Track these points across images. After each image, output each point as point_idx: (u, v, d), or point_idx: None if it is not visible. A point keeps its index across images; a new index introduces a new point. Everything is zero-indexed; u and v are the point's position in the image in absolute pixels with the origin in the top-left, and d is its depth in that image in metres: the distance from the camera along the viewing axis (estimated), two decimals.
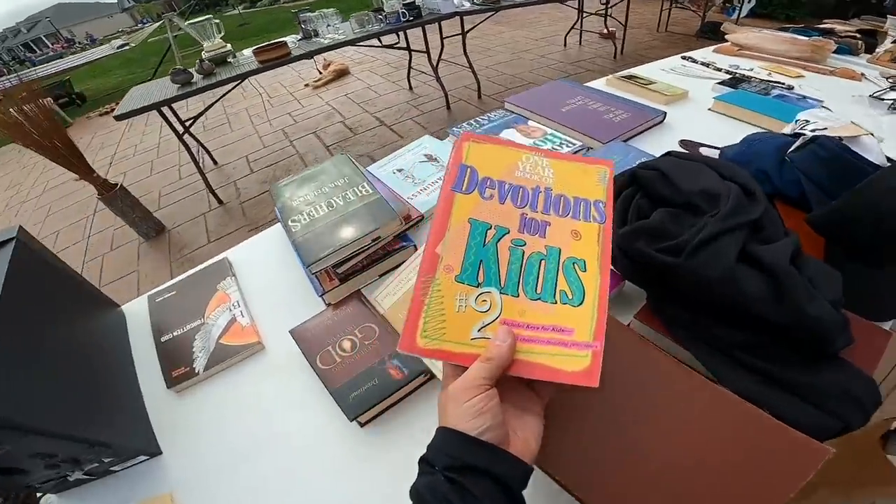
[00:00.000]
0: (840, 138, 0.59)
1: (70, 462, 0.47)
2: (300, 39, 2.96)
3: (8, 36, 43.61)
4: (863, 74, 1.40)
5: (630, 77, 1.27)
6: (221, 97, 2.89)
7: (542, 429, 0.35)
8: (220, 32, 2.81)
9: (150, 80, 7.12)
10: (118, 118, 2.24)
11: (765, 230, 0.47)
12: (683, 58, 1.52)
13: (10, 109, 2.08)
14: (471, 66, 3.67)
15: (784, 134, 0.67)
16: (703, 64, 1.46)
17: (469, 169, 0.41)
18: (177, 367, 0.60)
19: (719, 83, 1.25)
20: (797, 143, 0.61)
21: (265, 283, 0.72)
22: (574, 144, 0.91)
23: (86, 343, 0.57)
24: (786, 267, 0.42)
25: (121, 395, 0.57)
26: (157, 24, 8.79)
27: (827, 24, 2.26)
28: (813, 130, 0.64)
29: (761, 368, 0.46)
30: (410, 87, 4.19)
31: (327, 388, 0.52)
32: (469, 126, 1.03)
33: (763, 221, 0.47)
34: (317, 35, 2.91)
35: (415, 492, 0.33)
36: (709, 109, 1.11)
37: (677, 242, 0.47)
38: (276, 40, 2.73)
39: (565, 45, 5.14)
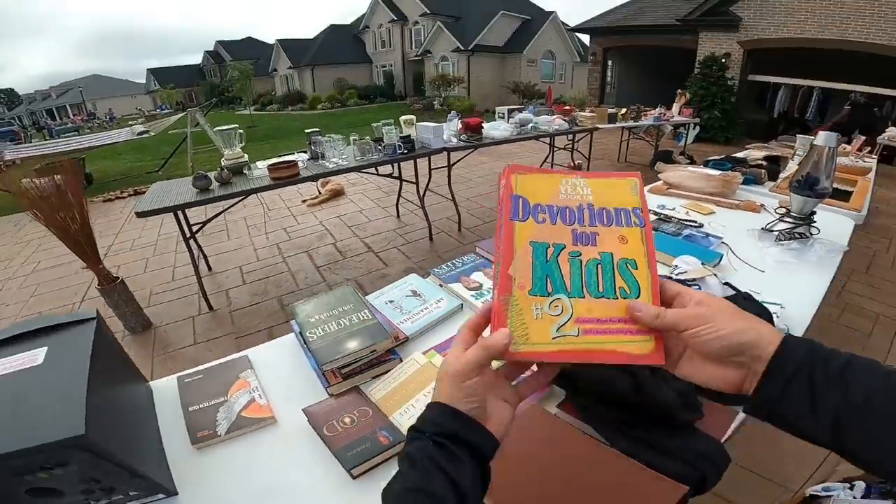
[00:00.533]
0: (693, 279, 0.87)
1: (105, 491, 0.60)
2: (308, 159, 3.30)
3: (36, 98, 44.08)
4: (762, 206, 1.69)
5: None
6: (230, 206, 3.15)
7: (512, 417, 0.44)
8: (241, 142, 3.06)
9: (157, 171, 7.39)
10: (140, 215, 2.39)
11: None
12: None
13: (39, 180, 2.14)
14: (453, 199, 4.12)
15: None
16: None
17: (521, 199, 0.47)
18: (202, 430, 0.76)
19: None
20: None
21: (278, 377, 0.91)
22: None
23: (128, 400, 0.74)
24: (639, 369, 0.67)
25: (150, 446, 0.73)
26: (178, 115, 8.95)
27: (745, 152, 2.69)
28: (678, 274, 0.93)
29: (640, 436, 0.67)
30: (398, 215, 4.60)
31: (331, 448, 0.70)
32: (447, 268, 1.28)
33: None
34: (323, 157, 3.26)
35: (405, 455, 0.40)
36: None
37: None
38: (288, 159, 3.04)
39: None
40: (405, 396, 0.81)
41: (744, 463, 1.68)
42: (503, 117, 4.61)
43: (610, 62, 12.97)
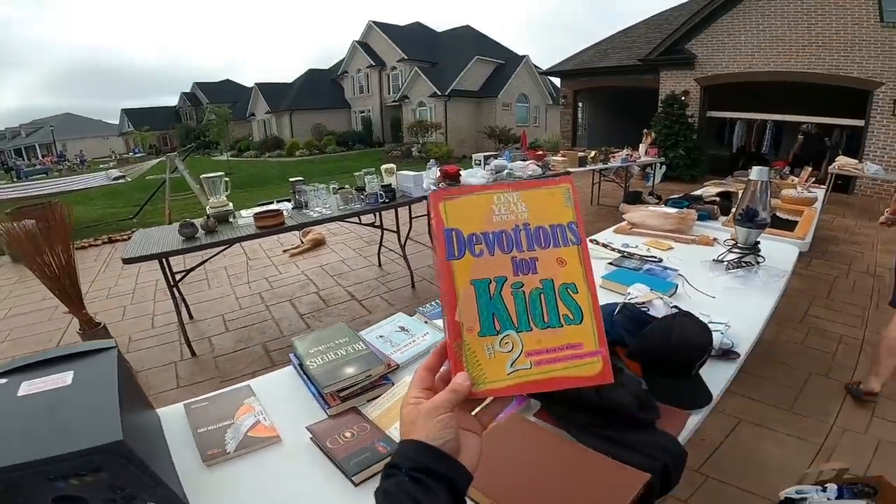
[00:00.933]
0: (642, 303, 1.00)
1: (125, 500, 0.65)
2: (293, 208, 3.37)
3: (6, 136, 40.94)
4: (715, 239, 1.85)
5: None
6: (214, 255, 3.20)
7: (480, 447, 0.45)
8: (227, 190, 3.08)
9: (132, 218, 7.16)
10: (126, 261, 2.40)
11: None
12: (591, 240, 1.92)
13: (27, 222, 2.17)
14: (434, 248, 4.23)
15: (617, 303, 1.08)
16: (603, 245, 1.87)
17: (454, 232, 0.46)
18: (212, 448, 0.82)
19: (610, 263, 1.64)
20: (617, 309, 1.02)
21: (280, 402, 0.99)
22: None
23: (146, 421, 0.81)
24: None
25: (164, 460, 0.79)
26: (156, 160, 8.60)
27: (700, 190, 2.88)
28: (630, 299, 1.06)
29: (608, 435, 0.78)
30: (380, 264, 4.62)
31: (334, 459, 0.77)
32: (430, 306, 1.39)
33: None
34: (307, 206, 3.31)
35: (381, 491, 0.40)
36: (599, 286, 1.49)
37: None
38: (274, 208, 3.10)
39: None
40: (399, 414, 0.89)
41: (725, 478, 1.77)
42: (480, 164, 4.82)
43: (581, 104, 13.59)
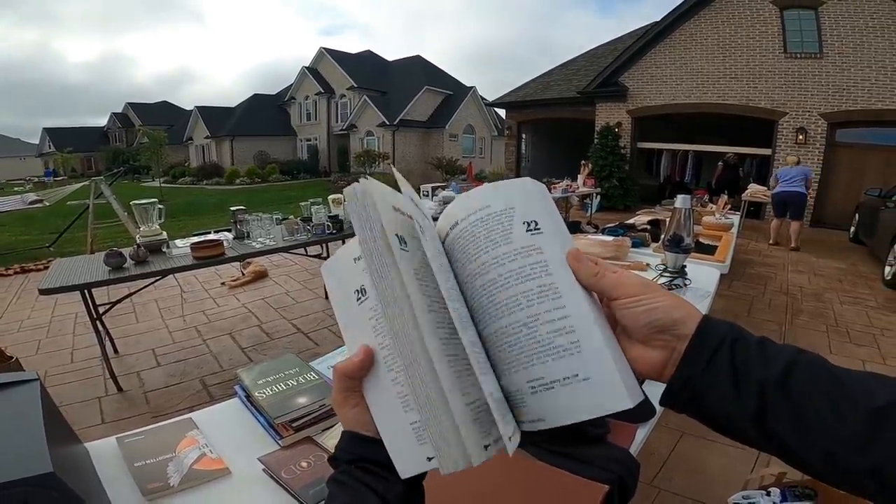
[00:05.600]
0: None
1: None
2: (234, 238, 3.21)
3: None
4: (648, 265, 1.98)
5: None
6: (146, 286, 2.99)
7: None
8: (160, 218, 2.90)
9: (49, 247, 6.55)
10: (43, 292, 2.22)
11: None
12: None
13: None
14: None
15: None
16: None
17: None
18: (152, 482, 0.76)
19: None
20: None
21: (226, 434, 0.92)
22: None
23: (74, 457, 0.74)
24: None
25: (98, 496, 0.71)
26: (79, 185, 7.91)
27: (633, 219, 3.09)
28: None
29: (563, 451, 0.79)
30: (327, 296, 4.52)
31: (291, 490, 0.73)
32: None
33: None
34: (249, 237, 3.17)
35: (331, 480, 0.41)
36: None
37: None
38: (212, 238, 2.96)
39: None
40: None
41: (676, 490, 1.84)
42: (427, 195, 4.91)
43: (524, 135, 14.18)
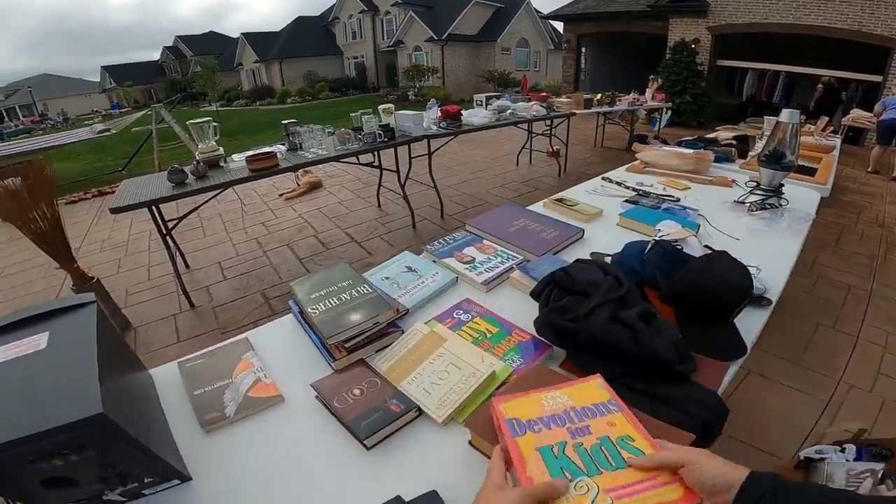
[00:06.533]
0: (675, 240, 0.92)
1: (119, 477, 0.59)
2: (287, 150, 3.25)
3: None
4: (734, 181, 1.79)
5: (560, 200, 1.62)
6: (208, 200, 3.08)
7: None
8: (216, 135, 2.98)
9: (122, 171, 7.06)
10: (114, 211, 2.31)
11: (627, 303, 0.76)
12: (603, 178, 1.89)
13: (9, 181, 2.10)
14: (435, 187, 4.15)
15: (647, 241, 1.00)
16: (616, 183, 1.82)
17: (514, 421, 0.58)
18: (210, 412, 0.76)
19: (626, 200, 1.58)
20: (649, 247, 0.93)
21: (282, 355, 0.91)
22: (517, 258, 1.21)
23: (134, 385, 0.73)
24: (635, 322, 0.70)
25: (160, 428, 0.72)
26: (141, 112, 8.50)
27: (715, 133, 2.80)
28: (662, 237, 0.98)
29: (642, 389, 0.71)
30: (379, 205, 4.58)
31: (342, 421, 0.71)
32: (439, 244, 1.30)
33: (626, 298, 0.77)
34: (302, 148, 3.22)
35: None
36: (617, 224, 1.44)
37: (576, 315, 0.75)
38: (266, 150, 2.97)
39: (517, 164, 5.91)
40: (411, 365, 0.83)
41: (736, 434, 1.75)
42: (481, 104, 4.63)
43: (584, 49, 13.04)
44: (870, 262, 3.22)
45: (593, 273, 0.83)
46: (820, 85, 8.81)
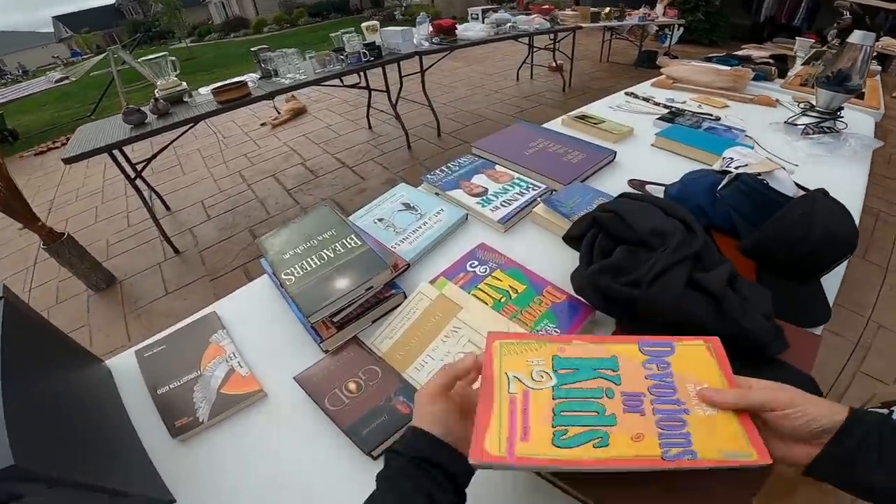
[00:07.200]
0: (758, 174, 0.71)
1: None
2: (260, 78, 2.97)
3: None
4: (777, 100, 1.59)
5: (582, 117, 1.40)
6: (176, 138, 2.82)
7: None
8: (175, 70, 2.73)
9: (90, 116, 6.77)
10: (67, 161, 2.10)
11: (704, 259, 0.57)
12: (627, 93, 1.69)
13: None
14: (430, 105, 3.85)
15: (714, 171, 0.80)
16: (643, 99, 1.62)
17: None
18: (179, 417, 0.61)
19: (659, 118, 1.39)
20: (725, 181, 0.73)
21: (258, 334, 0.75)
22: (539, 187, 1.01)
23: (82, 397, 0.57)
24: (723, 290, 0.52)
25: (124, 446, 0.57)
26: (99, 56, 8.32)
27: (744, 51, 2.54)
28: (737, 168, 0.77)
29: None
30: (370, 126, 4.30)
31: (340, 427, 0.55)
32: (442, 173, 1.09)
33: (702, 253, 0.57)
34: (277, 74, 2.94)
35: (382, 477, 0.39)
36: (651, 145, 1.24)
37: (636, 277, 0.56)
38: (235, 80, 2.72)
39: (518, 79, 5.53)
40: (418, 345, 0.66)
41: None
42: (477, 18, 4.14)
43: None
44: None
45: (652, 215, 0.62)
46: (848, 13, 8.12)
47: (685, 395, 0.42)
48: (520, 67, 5.55)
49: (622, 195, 0.74)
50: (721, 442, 0.39)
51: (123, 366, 0.71)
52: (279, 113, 4.90)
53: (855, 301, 1.95)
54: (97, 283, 2.45)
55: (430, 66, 3.69)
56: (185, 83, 2.75)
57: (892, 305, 1.94)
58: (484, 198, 0.98)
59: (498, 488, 0.51)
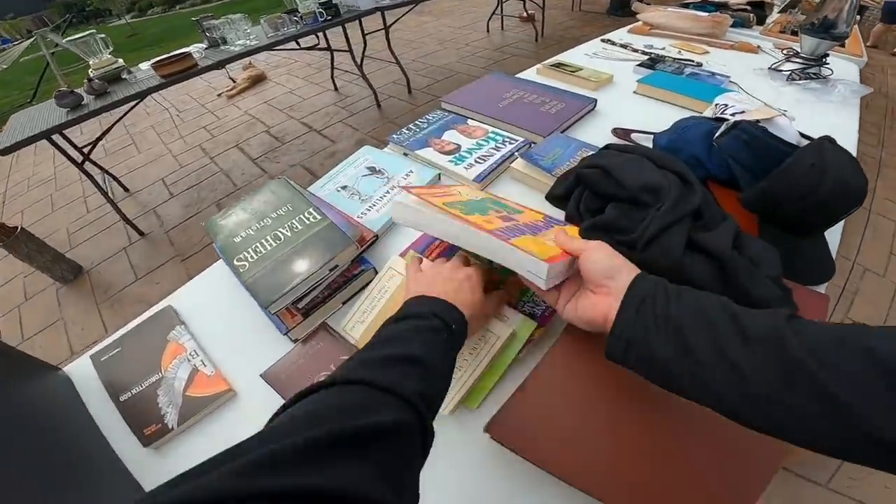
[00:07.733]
0: (758, 121, 0.65)
1: None
2: (207, 48, 2.76)
3: None
4: (759, 47, 1.54)
5: (558, 65, 1.33)
6: (121, 118, 2.66)
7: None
8: (108, 47, 2.56)
9: (30, 102, 6.36)
10: (3, 152, 1.97)
11: (704, 216, 0.52)
12: (603, 40, 1.62)
13: None
14: (397, 62, 3.65)
15: (708, 119, 0.74)
16: (621, 46, 1.55)
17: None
18: (147, 425, 0.56)
19: (639, 65, 1.33)
20: (722, 129, 0.67)
21: (220, 327, 0.68)
22: (516, 141, 0.94)
23: (38, 415, 0.52)
24: (728, 252, 0.47)
25: (100, 464, 0.53)
26: (28, 41, 7.78)
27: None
28: (733, 114, 0.71)
29: None
30: (336, 88, 4.09)
31: None
32: (409, 132, 1.01)
33: (702, 209, 0.52)
34: (225, 42, 2.74)
35: (391, 322, 0.45)
36: (634, 92, 1.19)
37: (631, 238, 0.51)
38: (178, 52, 2.52)
39: (488, 30, 5.28)
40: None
41: None
42: None
43: None
44: (878, 130, 3.02)
45: (644, 169, 0.56)
46: None
47: (544, 235, 0.51)
48: (489, 19, 5.28)
49: (607, 146, 0.67)
50: (532, 246, 0.45)
51: (82, 372, 0.65)
52: (234, 82, 4.61)
53: (842, 243, 1.97)
54: (63, 274, 2.33)
55: (394, 22, 3.48)
56: (121, 60, 2.57)
57: (875, 248, 1.96)
58: (457, 155, 0.91)
59: (498, 487, 0.48)
